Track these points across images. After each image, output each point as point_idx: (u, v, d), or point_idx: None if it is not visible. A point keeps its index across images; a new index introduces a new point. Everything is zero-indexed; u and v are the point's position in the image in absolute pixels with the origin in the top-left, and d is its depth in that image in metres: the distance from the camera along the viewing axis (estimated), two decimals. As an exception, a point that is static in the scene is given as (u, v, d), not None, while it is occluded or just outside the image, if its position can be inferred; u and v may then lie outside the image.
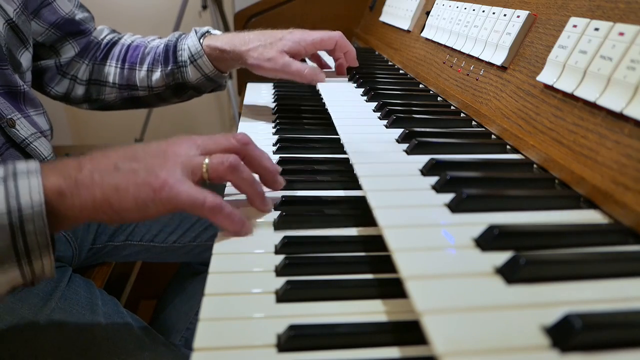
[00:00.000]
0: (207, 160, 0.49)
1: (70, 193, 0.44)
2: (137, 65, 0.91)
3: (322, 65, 0.99)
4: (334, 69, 0.98)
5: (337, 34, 0.88)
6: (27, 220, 0.42)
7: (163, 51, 0.89)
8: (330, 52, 0.94)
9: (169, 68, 0.88)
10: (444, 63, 0.85)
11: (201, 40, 0.86)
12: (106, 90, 0.93)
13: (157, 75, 0.89)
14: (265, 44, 0.82)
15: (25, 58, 0.77)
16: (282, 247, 0.50)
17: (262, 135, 0.83)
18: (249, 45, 0.83)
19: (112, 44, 0.95)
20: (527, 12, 0.66)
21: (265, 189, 0.57)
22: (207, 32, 0.88)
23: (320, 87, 0.85)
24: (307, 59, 1.07)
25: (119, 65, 0.92)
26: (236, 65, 0.87)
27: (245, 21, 1.56)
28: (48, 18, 0.83)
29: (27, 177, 0.43)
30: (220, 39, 0.85)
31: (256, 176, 0.55)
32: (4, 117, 0.68)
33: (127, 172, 0.46)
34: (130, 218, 0.46)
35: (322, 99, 0.82)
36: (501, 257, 0.37)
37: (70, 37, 0.88)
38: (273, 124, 0.88)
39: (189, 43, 0.86)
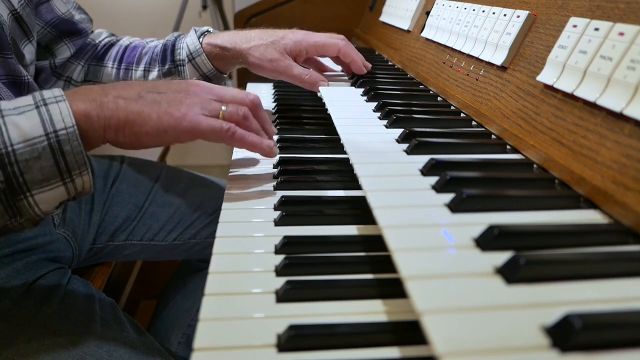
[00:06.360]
0: (224, 107, 0.56)
1: (97, 115, 0.49)
2: (134, 65, 0.90)
3: (323, 69, 0.96)
4: (337, 72, 0.97)
5: (341, 41, 0.85)
6: (63, 142, 0.47)
7: (161, 50, 0.88)
8: (334, 60, 0.92)
9: (166, 67, 0.87)
10: (444, 63, 0.85)
11: (201, 39, 0.85)
12: None
13: (153, 74, 0.88)
14: (267, 43, 0.82)
15: (28, 51, 0.76)
16: (282, 247, 0.50)
17: (262, 135, 0.83)
18: (250, 43, 0.82)
19: (110, 45, 0.94)
20: (527, 12, 0.66)
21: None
22: (207, 31, 0.87)
23: (320, 87, 0.85)
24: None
25: (115, 66, 0.91)
26: (236, 64, 0.87)
27: (245, 21, 1.56)
28: (45, 16, 0.82)
29: (55, 103, 0.48)
30: (221, 37, 0.85)
31: None
32: None
33: (150, 102, 0.51)
34: (148, 143, 0.51)
35: (322, 98, 0.82)
36: (501, 257, 0.37)
37: (66, 37, 0.87)
38: (273, 124, 0.88)
39: (188, 41, 0.86)
